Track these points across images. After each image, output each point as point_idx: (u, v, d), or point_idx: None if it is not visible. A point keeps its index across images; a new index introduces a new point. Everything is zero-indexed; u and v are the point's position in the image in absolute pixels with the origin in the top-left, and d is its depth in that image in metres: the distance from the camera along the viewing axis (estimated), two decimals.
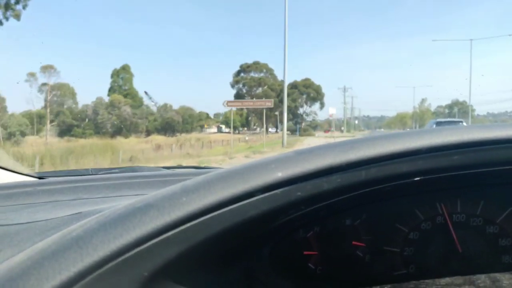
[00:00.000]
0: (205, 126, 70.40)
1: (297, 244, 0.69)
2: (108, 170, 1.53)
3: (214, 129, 71.74)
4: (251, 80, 65.22)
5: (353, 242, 0.69)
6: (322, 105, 70.18)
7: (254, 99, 60.13)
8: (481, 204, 0.68)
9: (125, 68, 59.09)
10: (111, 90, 57.43)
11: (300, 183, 0.46)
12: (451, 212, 0.68)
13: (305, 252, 0.69)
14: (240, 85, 65.25)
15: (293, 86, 66.41)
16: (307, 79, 68.35)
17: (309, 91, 67.09)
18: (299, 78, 69.16)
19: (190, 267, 0.50)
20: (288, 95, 58.37)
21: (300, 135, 56.55)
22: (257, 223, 0.50)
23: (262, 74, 65.62)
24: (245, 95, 64.51)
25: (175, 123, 58.75)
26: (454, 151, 0.49)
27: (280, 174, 0.46)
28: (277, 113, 59.71)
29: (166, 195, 0.45)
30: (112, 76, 59.07)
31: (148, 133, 54.33)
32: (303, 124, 68.75)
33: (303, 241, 0.69)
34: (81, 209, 0.76)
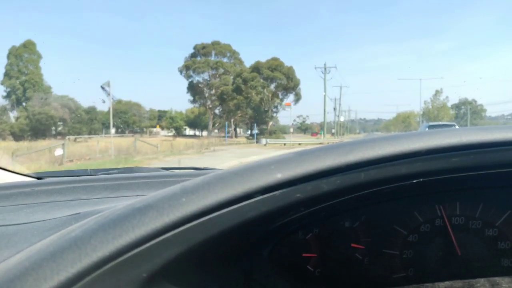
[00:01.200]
0: (157, 127, 55.13)
1: (296, 246, 0.69)
2: (107, 171, 1.53)
3: (169, 132, 54.87)
4: (205, 64, 44.14)
5: (352, 244, 0.69)
6: (297, 97, 46.54)
7: (213, 91, 44.06)
8: (480, 207, 0.68)
9: (27, 46, 41.15)
10: (6, 76, 41.19)
11: (299, 184, 0.46)
12: (450, 214, 0.68)
13: (304, 254, 0.69)
14: (191, 72, 44.73)
15: (255, 68, 43.37)
16: (274, 59, 44.63)
17: (275, 76, 43.17)
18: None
19: (189, 268, 0.50)
20: (246, 81, 41.32)
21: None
22: (256, 224, 0.49)
23: (225, 60, 45.82)
24: (201, 85, 45.71)
25: (50, 122, 38.00)
26: (453, 153, 0.49)
27: (279, 175, 0.46)
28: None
29: (166, 196, 0.45)
30: (8, 57, 40.87)
31: (14, 136, 34.51)
32: (269, 124, 45.51)
33: (302, 243, 0.69)
34: (80, 210, 0.76)
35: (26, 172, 1.28)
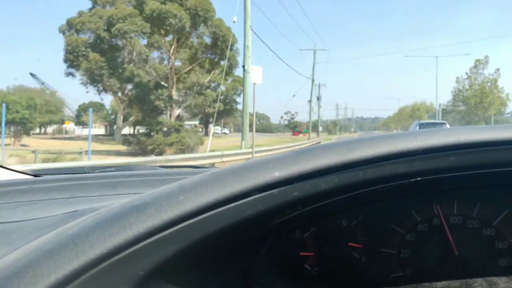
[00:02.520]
0: (66, 123, 42.25)
1: (294, 244, 0.69)
2: (104, 169, 1.53)
3: (100, 130, 42.49)
4: (95, 17, 21.88)
5: (350, 243, 0.69)
6: (230, 63, 22.27)
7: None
8: (477, 206, 0.68)
9: None
10: None
11: (297, 183, 0.46)
12: (448, 214, 0.69)
13: (302, 253, 0.69)
14: (74, 32, 22.72)
15: (149, 18, 20.00)
16: None
17: (166, 10, 19.60)
18: None
19: (186, 266, 0.50)
20: (111, 27, 20.18)
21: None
22: (254, 222, 0.49)
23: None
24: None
25: None
26: (451, 152, 0.49)
27: (277, 173, 0.46)
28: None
29: (163, 194, 0.45)
30: None
31: None
32: (172, 116, 22.18)
33: (300, 241, 0.69)
34: (77, 208, 0.76)
35: (23, 169, 1.27)
